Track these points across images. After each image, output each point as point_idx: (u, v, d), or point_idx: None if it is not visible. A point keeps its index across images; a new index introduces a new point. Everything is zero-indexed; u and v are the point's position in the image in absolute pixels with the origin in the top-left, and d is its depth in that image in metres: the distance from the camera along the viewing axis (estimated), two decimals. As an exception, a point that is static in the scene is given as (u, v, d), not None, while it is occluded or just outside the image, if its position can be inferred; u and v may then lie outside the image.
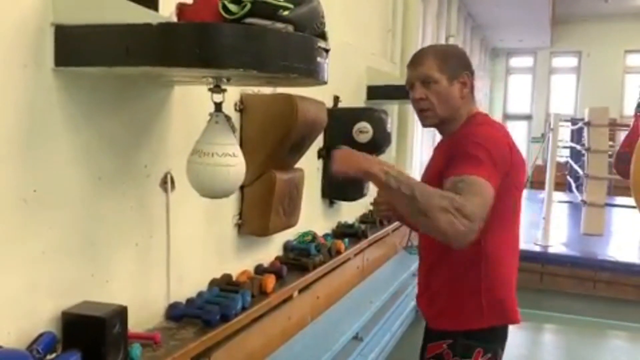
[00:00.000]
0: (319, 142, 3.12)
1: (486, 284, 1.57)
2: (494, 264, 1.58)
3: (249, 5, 1.28)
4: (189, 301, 2.04)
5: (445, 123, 1.64)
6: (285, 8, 1.32)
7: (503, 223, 1.58)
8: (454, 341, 1.60)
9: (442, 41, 7.70)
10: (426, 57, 1.61)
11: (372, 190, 3.71)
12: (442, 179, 1.47)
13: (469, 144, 1.48)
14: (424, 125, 1.69)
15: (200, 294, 2.12)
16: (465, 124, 1.63)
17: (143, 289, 1.87)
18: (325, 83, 1.54)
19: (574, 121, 8.13)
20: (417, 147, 6.78)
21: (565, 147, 8.57)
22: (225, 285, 2.24)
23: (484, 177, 1.39)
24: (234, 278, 2.36)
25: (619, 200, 8.54)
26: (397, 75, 4.83)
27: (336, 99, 3.45)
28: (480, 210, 1.34)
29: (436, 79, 1.58)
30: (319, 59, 1.44)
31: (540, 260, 5.69)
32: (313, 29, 1.42)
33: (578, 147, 7.02)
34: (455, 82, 1.60)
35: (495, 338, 1.62)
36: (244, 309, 2.11)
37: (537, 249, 5.85)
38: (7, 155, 1.35)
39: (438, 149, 1.73)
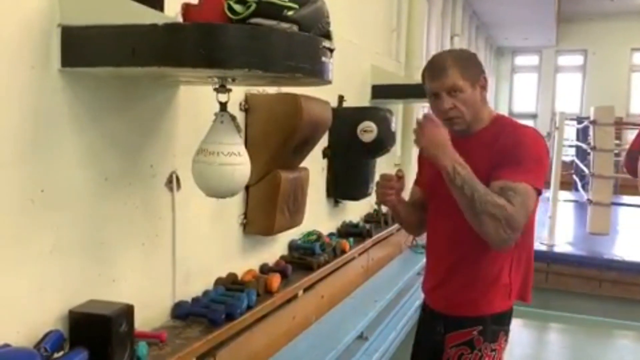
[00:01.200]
0: (323, 141, 3.13)
1: (515, 266, 1.71)
2: (520, 248, 1.70)
3: (254, 6, 1.29)
4: (195, 300, 2.05)
5: (470, 126, 1.70)
6: (290, 8, 1.33)
7: (531, 217, 1.67)
8: (484, 328, 1.70)
9: (447, 40, 7.69)
10: (448, 67, 1.64)
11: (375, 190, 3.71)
12: (483, 176, 1.56)
13: (521, 148, 1.58)
14: (455, 131, 1.69)
15: (205, 293, 2.13)
16: (496, 123, 1.71)
17: (149, 288, 1.88)
18: (330, 83, 1.55)
19: (579, 120, 8.10)
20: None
21: (571, 146, 8.54)
22: (230, 285, 2.25)
23: (533, 185, 1.55)
24: (239, 277, 2.36)
25: (625, 199, 8.50)
26: (401, 75, 4.82)
27: (341, 99, 3.45)
28: (524, 221, 1.52)
29: (461, 88, 1.63)
30: (323, 58, 1.44)
31: (546, 259, 5.67)
32: (318, 29, 1.42)
33: (584, 145, 6.98)
34: (477, 86, 1.67)
35: (510, 320, 1.76)
36: (249, 308, 2.11)
37: (543, 248, 5.82)
38: (15, 155, 1.36)
39: (466, 150, 1.65)
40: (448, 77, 1.63)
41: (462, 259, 1.73)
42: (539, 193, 1.58)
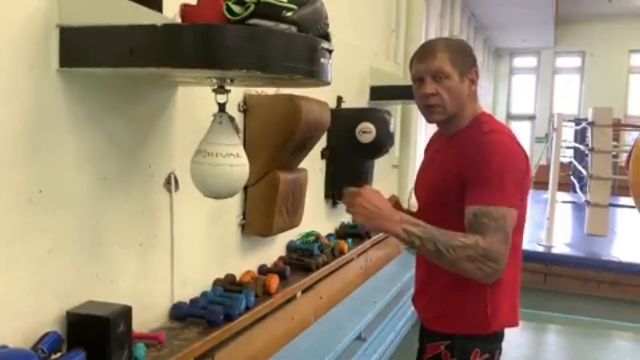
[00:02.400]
0: (322, 142, 3.13)
1: (492, 291, 1.53)
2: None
3: (252, 7, 1.29)
4: (193, 301, 2.05)
5: (451, 120, 1.58)
6: (289, 9, 1.33)
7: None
8: (451, 342, 1.58)
9: (446, 41, 7.68)
10: (438, 50, 1.53)
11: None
12: (451, 181, 1.49)
13: (488, 164, 1.43)
14: (430, 120, 1.60)
15: (204, 294, 2.13)
16: (472, 124, 1.57)
17: (147, 289, 1.87)
18: (328, 84, 1.55)
19: (577, 121, 8.10)
20: (420, 148, 6.78)
21: (569, 148, 8.54)
22: (229, 285, 2.25)
23: (506, 204, 1.41)
24: (238, 278, 2.36)
25: (623, 200, 8.50)
26: (400, 76, 4.82)
27: (339, 100, 3.46)
28: (505, 246, 1.38)
29: (448, 74, 1.51)
30: (322, 59, 1.44)
31: (544, 260, 5.68)
32: (317, 30, 1.42)
33: (582, 147, 7.00)
34: (465, 78, 1.55)
35: (495, 340, 1.60)
36: (247, 309, 2.11)
37: (541, 249, 5.83)
38: (13, 155, 1.36)
39: (443, 149, 1.65)
40: (435, 60, 1.51)
41: (432, 272, 1.60)
42: (516, 207, 1.43)
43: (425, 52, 1.56)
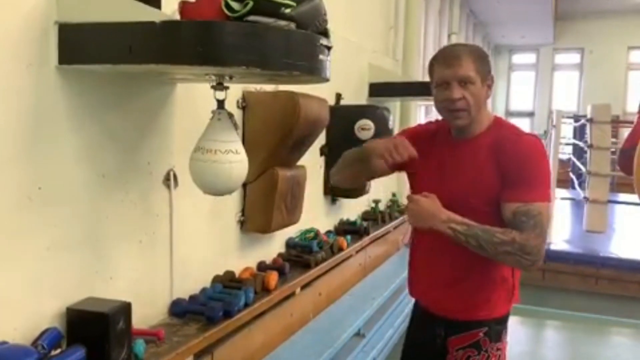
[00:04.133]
0: (321, 139, 3.13)
1: (513, 271, 1.72)
2: None
3: (251, 3, 1.29)
4: (192, 298, 2.05)
5: (470, 124, 1.66)
6: (288, 5, 1.33)
7: None
8: (489, 329, 1.71)
9: (445, 38, 7.69)
10: (463, 57, 1.60)
11: (374, 187, 3.72)
12: (493, 184, 1.59)
13: (528, 163, 1.58)
14: (456, 125, 1.67)
15: (203, 291, 2.13)
16: (497, 127, 1.68)
17: (147, 286, 1.88)
18: (327, 80, 1.55)
19: (576, 118, 8.10)
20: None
21: (567, 144, 8.55)
22: (228, 282, 2.25)
23: (543, 199, 1.57)
24: (237, 275, 2.37)
25: (622, 197, 8.51)
26: (399, 73, 4.83)
27: (338, 97, 3.46)
28: (542, 238, 1.55)
29: (473, 80, 1.60)
30: (321, 56, 1.44)
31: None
32: (315, 27, 1.42)
33: (581, 144, 7.01)
34: (485, 84, 1.64)
35: (508, 318, 1.78)
36: (246, 305, 2.12)
37: (540, 245, 5.84)
38: (12, 152, 1.36)
39: (462, 154, 1.67)
40: (462, 67, 1.58)
41: (465, 263, 1.67)
42: (550, 200, 1.64)
43: (451, 58, 1.63)
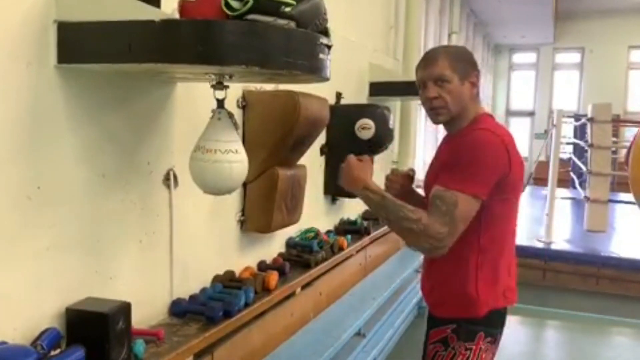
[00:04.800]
0: (321, 138, 3.12)
1: (481, 274, 1.66)
2: (489, 256, 1.67)
3: (251, 2, 1.28)
4: (192, 297, 2.05)
5: (454, 120, 1.71)
6: (288, 4, 1.32)
7: (499, 221, 1.68)
8: (457, 326, 1.69)
9: (445, 38, 7.69)
10: (438, 57, 1.67)
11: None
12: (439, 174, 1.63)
13: (463, 153, 1.60)
14: (436, 122, 1.74)
15: (203, 291, 2.13)
16: (470, 124, 1.70)
17: (146, 286, 1.87)
18: (327, 79, 1.55)
19: (577, 117, 8.10)
20: (419, 144, 6.78)
21: (568, 144, 8.54)
22: (228, 282, 2.25)
23: (467, 192, 1.54)
24: (237, 274, 2.36)
25: (622, 196, 8.49)
26: (399, 72, 4.82)
27: (339, 96, 3.45)
28: (448, 229, 1.52)
29: (449, 78, 1.65)
30: (321, 55, 1.44)
31: (543, 256, 5.68)
32: (315, 26, 1.42)
33: (581, 143, 7.00)
34: (466, 81, 1.68)
35: (495, 323, 1.72)
36: (246, 305, 2.11)
37: (540, 245, 5.84)
38: (12, 152, 1.36)
39: (445, 145, 1.81)
40: (437, 66, 1.65)
41: (433, 260, 1.73)
42: (479, 197, 1.54)
43: (427, 60, 1.71)
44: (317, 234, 3.04)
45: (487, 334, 1.69)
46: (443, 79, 1.65)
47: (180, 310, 1.96)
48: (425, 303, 1.88)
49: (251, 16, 1.29)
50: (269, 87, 2.42)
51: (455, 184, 1.54)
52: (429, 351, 1.75)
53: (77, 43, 1.42)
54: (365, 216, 4.02)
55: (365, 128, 3.25)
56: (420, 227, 1.52)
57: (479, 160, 1.57)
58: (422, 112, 6.36)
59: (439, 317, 1.75)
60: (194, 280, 2.12)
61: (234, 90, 2.23)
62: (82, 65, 1.46)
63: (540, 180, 7.77)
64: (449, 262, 1.64)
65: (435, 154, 1.87)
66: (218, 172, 1.54)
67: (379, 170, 3.94)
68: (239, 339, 2.11)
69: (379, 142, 3.36)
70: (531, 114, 14.19)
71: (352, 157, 1.71)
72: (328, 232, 3.35)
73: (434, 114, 1.71)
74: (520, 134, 13.05)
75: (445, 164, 1.64)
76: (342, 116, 3.24)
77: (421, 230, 1.52)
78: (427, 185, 1.77)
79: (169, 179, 1.92)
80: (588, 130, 6.16)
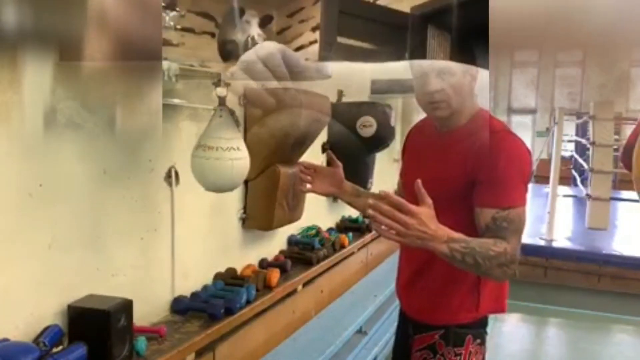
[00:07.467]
0: (322, 136, 3.12)
1: (483, 281, 1.58)
2: None
3: None
4: (194, 295, 2.05)
5: (452, 115, 1.59)
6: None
7: None
8: (445, 332, 1.61)
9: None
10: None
11: (376, 184, 3.71)
12: (457, 179, 1.50)
13: (502, 165, 1.46)
14: (436, 117, 1.62)
15: (205, 288, 2.13)
16: (475, 122, 1.58)
17: (148, 283, 1.88)
18: (329, 77, 1.54)
19: (578, 115, 8.08)
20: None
21: (570, 141, 8.53)
22: (229, 279, 2.25)
23: (520, 204, 1.47)
24: (239, 272, 2.36)
25: (624, 194, 8.49)
26: (401, 69, 4.80)
27: (340, 93, 3.44)
28: (520, 243, 1.44)
29: (452, 71, 1.55)
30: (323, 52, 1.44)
31: (545, 254, 5.67)
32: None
33: (583, 141, 6.99)
34: (467, 74, 1.57)
35: (483, 324, 1.66)
36: (248, 302, 2.12)
37: (542, 243, 5.83)
38: (13, 149, 1.36)
39: (439, 145, 1.64)
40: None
41: (425, 265, 1.62)
42: (525, 204, 1.50)
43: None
44: (318, 231, 3.04)
45: (475, 336, 1.63)
46: (446, 71, 1.55)
47: (182, 307, 1.97)
48: (406, 309, 1.75)
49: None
50: (271, 85, 2.41)
51: (508, 201, 1.45)
52: (414, 358, 1.66)
53: (78, 43, 1.41)
54: (366, 214, 4.01)
55: (367, 126, 3.25)
56: (508, 258, 1.38)
57: (518, 170, 1.49)
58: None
59: (424, 323, 1.65)
60: (195, 277, 2.12)
61: (236, 88, 2.23)
62: (84, 62, 1.45)
63: (541, 178, 7.75)
64: (447, 267, 1.45)
65: (418, 146, 1.76)
66: (220, 169, 1.54)
67: (380, 169, 3.94)
68: (241, 336, 2.12)
69: (380, 140, 3.35)
70: (533, 111, 14.16)
71: (419, 210, 1.30)
72: (329, 229, 3.35)
73: (433, 108, 1.58)
74: (522, 132, 13.02)
75: (478, 176, 1.48)
76: (344, 114, 3.23)
77: (509, 261, 1.38)
78: (409, 184, 1.53)
79: (171, 176, 1.92)
80: (590, 127, 6.15)
